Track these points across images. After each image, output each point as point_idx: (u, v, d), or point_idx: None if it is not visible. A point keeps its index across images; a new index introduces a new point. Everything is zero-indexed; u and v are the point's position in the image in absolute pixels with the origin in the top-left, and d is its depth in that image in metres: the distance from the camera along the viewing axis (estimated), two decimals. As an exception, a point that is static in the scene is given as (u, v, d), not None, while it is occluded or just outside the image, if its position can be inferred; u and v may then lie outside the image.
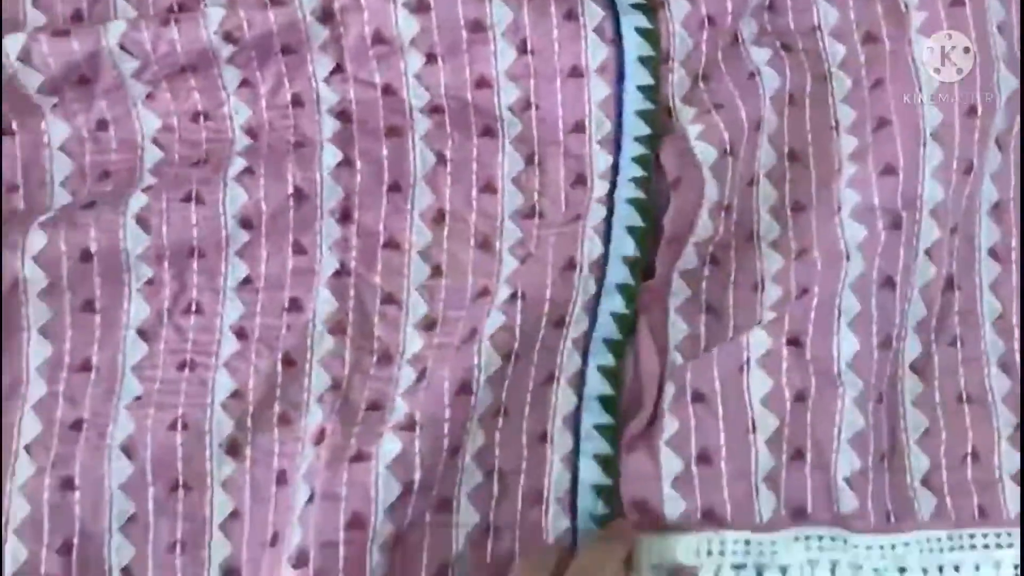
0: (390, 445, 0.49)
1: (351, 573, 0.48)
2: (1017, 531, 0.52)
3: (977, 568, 0.52)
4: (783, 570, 0.50)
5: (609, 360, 0.53)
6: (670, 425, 0.51)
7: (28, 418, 0.52)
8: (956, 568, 0.52)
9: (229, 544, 0.51)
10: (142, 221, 0.54)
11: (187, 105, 0.58)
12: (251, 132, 0.57)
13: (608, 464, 0.52)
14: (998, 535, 0.53)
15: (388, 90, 0.57)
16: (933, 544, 0.53)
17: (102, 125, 0.57)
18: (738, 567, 0.50)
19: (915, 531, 0.53)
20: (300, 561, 0.48)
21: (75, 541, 0.51)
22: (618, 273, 0.53)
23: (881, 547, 0.52)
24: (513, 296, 0.52)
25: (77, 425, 0.52)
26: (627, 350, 0.54)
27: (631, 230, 0.54)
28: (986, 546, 0.52)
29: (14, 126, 0.57)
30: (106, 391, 0.53)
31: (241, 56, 0.56)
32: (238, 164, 0.56)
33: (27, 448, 0.51)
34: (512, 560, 0.51)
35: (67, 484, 0.51)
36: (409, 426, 0.50)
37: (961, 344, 0.55)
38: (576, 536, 0.51)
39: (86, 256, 0.54)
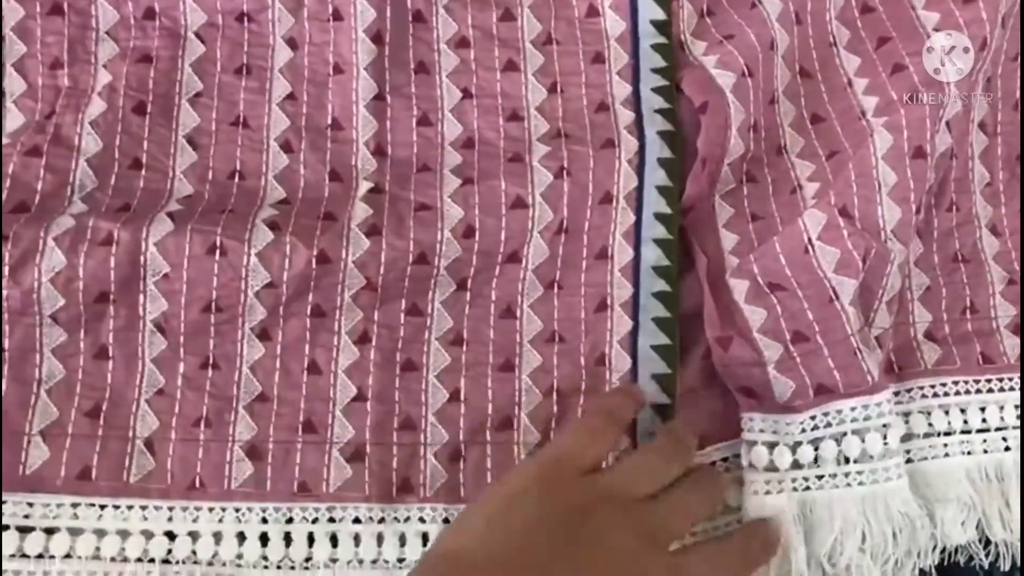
0: (439, 359, 0.54)
1: (405, 474, 0.52)
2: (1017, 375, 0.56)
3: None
4: (885, 428, 0.52)
5: (662, 285, 0.55)
6: (756, 314, 0.54)
7: (46, 289, 0.53)
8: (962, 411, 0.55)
9: (256, 426, 0.53)
10: (192, 141, 0.58)
11: (233, 4, 0.60)
12: (292, 43, 0.61)
13: (667, 383, 0.54)
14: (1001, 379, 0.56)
15: (418, 17, 0.61)
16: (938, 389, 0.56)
17: (149, 14, 0.60)
18: (858, 432, 0.52)
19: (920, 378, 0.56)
20: (356, 456, 0.52)
21: (104, 407, 0.53)
22: (655, 203, 0.57)
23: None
24: (560, 228, 0.57)
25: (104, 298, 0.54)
26: (677, 275, 0.56)
27: (662, 161, 0.57)
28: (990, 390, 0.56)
29: (65, 5, 0.60)
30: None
31: None
32: (281, 88, 0.60)
33: (53, 317, 0.53)
34: None
35: (101, 353, 0.53)
36: (457, 341, 0.55)
37: (956, 209, 0.59)
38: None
39: (136, 163, 0.57)
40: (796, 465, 0.52)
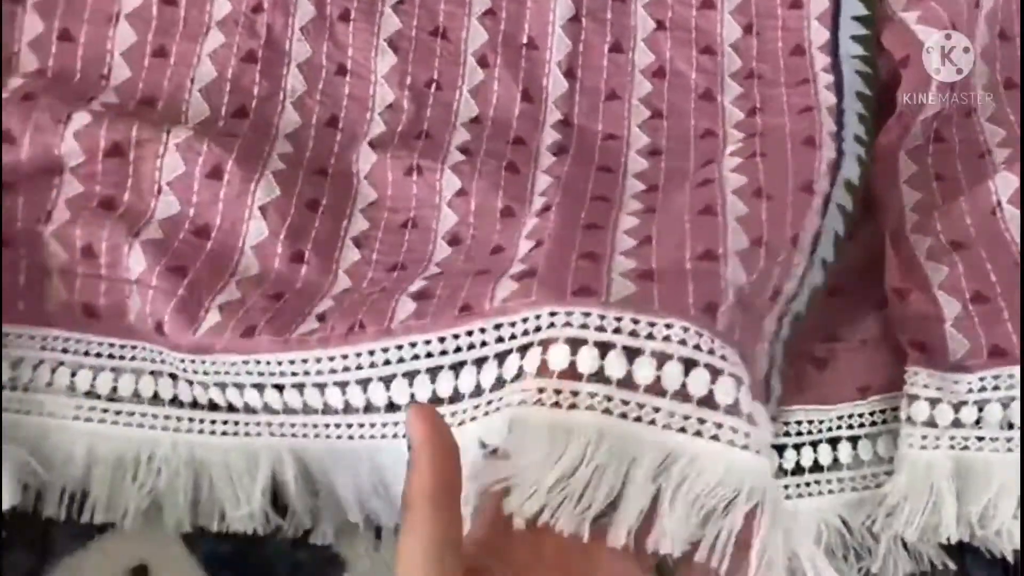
0: (629, 222, 0.52)
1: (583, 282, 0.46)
2: None
3: None
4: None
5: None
6: (937, 271, 0.53)
7: (266, 182, 0.55)
8: None
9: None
10: (392, 44, 0.61)
11: None
12: None
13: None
14: None
15: None
16: None
17: None
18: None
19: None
20: (527, 275, 0.47)
21: (287, 296, 0.53)
22: (853, 146, 0.54)
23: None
24: (751, 134, 0.56)
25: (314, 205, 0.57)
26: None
27: (861, 96, 0.56)
28: None
29: None
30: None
31: None
32: (481, 3, 0.61)
33: (263, 209, 0.55)
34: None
35: (297, 257, 0.55)
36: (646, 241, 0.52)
37: None
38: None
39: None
40: (957, 424, 0.50)
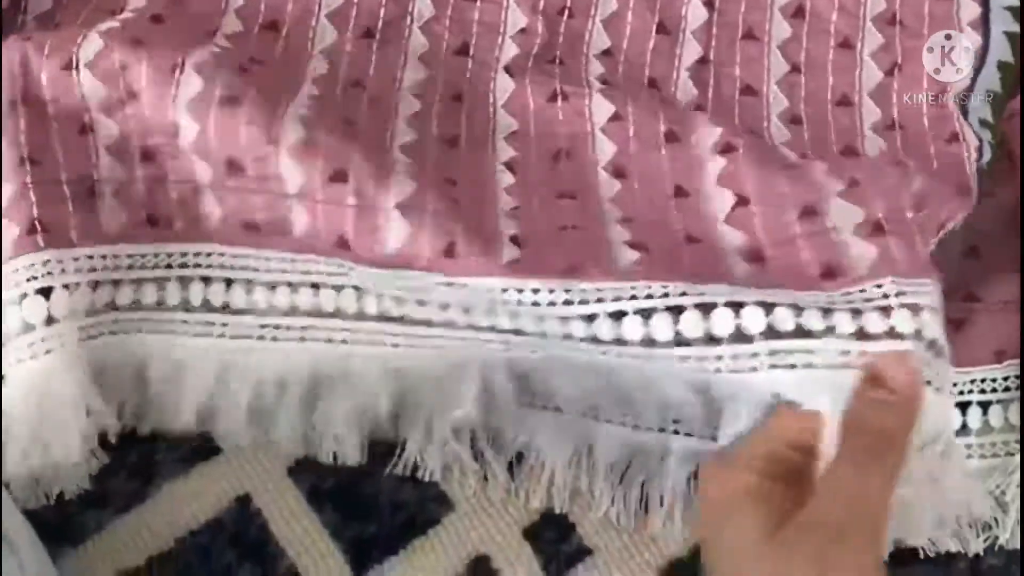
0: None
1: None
2: None
3: None
4: None
5: None
6: None
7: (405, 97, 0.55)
8: None
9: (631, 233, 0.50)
10: None
11: None
12: None
13: None
14: None
15: None
16: None
17: None
18: None
19: None
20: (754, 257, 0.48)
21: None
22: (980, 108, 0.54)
23: None
24: (889, 126, 0.55)
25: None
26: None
27: (1001, 65, 0.55)
28: None
29: None
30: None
31: None
32: None
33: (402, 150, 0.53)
34: None
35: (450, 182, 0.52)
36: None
37: None
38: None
39: None
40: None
